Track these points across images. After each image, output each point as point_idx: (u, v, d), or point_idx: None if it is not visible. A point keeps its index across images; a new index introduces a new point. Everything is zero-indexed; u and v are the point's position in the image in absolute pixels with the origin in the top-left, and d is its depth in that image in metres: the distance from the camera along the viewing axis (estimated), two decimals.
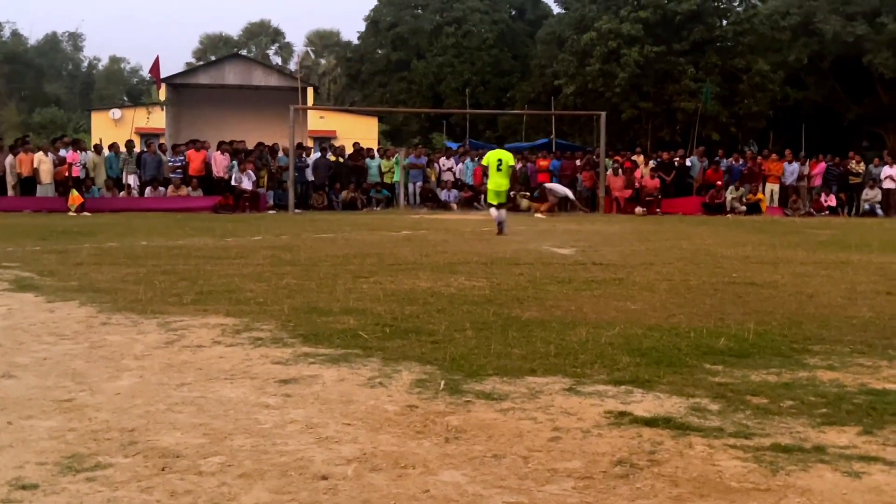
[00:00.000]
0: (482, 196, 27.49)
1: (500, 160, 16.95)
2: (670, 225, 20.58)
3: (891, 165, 26.74)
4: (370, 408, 4.23)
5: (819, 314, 7.11)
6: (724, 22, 41.07)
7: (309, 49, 78.44)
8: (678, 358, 5.37)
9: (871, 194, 26.60)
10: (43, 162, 23.63)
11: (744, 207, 25.72)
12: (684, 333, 6.10)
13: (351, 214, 23.76)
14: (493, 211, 16.88)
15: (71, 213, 21.72)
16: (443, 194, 27.43)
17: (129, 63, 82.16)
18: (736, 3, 43.33)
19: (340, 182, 26.43)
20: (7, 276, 9.01)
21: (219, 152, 25.05)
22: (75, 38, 79.30)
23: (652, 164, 27.00)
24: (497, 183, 16.88)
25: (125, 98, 73.96)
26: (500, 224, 16.42)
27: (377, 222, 20.04)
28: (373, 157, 27.86)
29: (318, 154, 26.89)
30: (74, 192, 22.52)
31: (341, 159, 27.14)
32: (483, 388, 4.61)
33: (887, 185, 26.35)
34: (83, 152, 24.96)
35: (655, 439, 3.78)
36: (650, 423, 4.01)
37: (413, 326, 6.24)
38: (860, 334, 6.26)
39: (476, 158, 28.69)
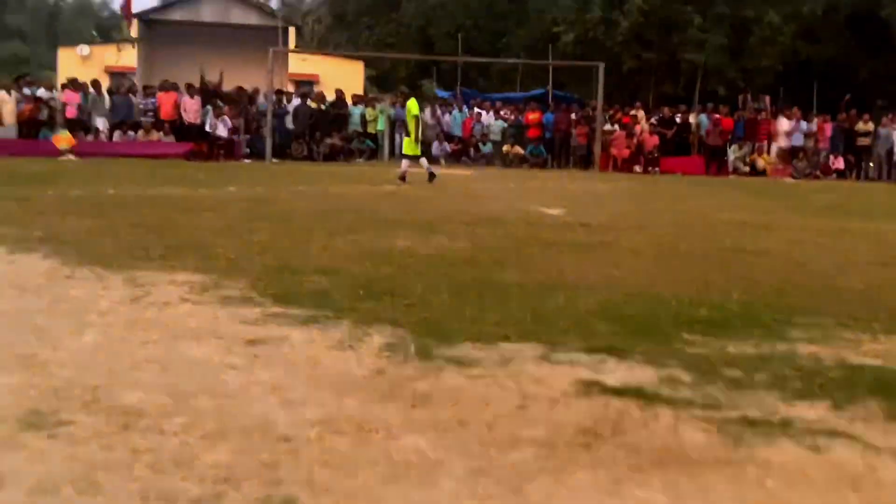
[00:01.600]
0: (471, 149, 27.74)
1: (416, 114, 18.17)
2: (668, 185, 20.76)
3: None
4: (338, 371, 4.41)
5: (807, 284, 7.30)
6: None
7: None
8: (656, 327, 5.55)
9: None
10: (6, 102, 23.60)
11: (747, 168, 25.88)
12: (666, 301, 6.28)
13: (332, 166, 23.87)
14: (423, 161, 17.92)
15: (64, 156, 21.90)
16: (432, 147, 27.47)
17: None
18: None
19: (321, 131, 26.49)
20: None
21: (188, 97, 25.01)
22: None
23: (653, 119, 27.08)
24: (415, 135, 18.00)
25: (94, 33, 73.27)
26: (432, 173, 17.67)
27: (359, 175, 20.16)
28: (356, 105, 27.86)
29: (299, 101, 26.88)
30: (67, 133, 22.73)
31: (323, 106, 27.18)
32: (454, 353, 4.77)
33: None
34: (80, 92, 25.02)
35: (623, 409, 3.97)
36: (619, 392, 4.19)
37: (388, 288, 6.39)
38: (847, 307, 6.42)
39: (464, 108, 28.80)
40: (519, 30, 45.53)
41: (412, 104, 18.29)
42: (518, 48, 43.17)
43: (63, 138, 22.80)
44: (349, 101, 27.93)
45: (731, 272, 7.77)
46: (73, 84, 25.30)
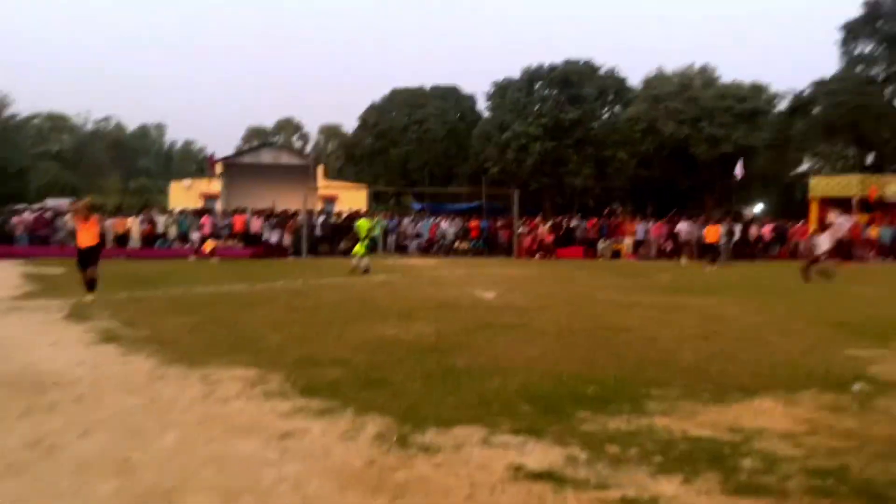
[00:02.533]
0: (434, 245, 27.43)
1: (368, 228, 17.73)
2: (561, 269, 20.50)
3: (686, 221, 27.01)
4: (342, 463, 4.00)
5: (658, 358, 6.91)
6: (596, 125, 41.64)
7: (320, 137, 78.02)
8: (560, 406, 5.16)
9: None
10: (133, 225, 23.06)
11: (609, 253, 25.82)
12: (566, 381, 5.89)
13: (346, 259, 23.39)
14: (365, 260, 17.09)
15: (200, 257, 21.80)
16: (408, 244, 27.21)
17: (198, 144, 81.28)
18: (604, 112, 43.99)
19: (339, 236, 26.19)
20: (100, 325, 8.62)
21: (255, 217, 24.73)
22: (160, 127, 78.34)
23: (549, 224, 27.02)
24: (364, 242, 17.33)
25: (194, 167, 72.92)
26: (367, 268, 16.85)
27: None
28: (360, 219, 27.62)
29: (324, 217, 26.59)
30: (210, 241, 22.58)
31: (339, 220, 26.92)
32: (424, 440, 4.38)
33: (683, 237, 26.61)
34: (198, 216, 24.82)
35: (541, 494, 3.61)
36: (538, 476, 3.82)
37: (379, 377, 5.96)
38: (685, 378, 6.08)
39: (429, 219, 28.60)
40: (463, 164, 45.90)
41: (362, 223, 17.88)
42: (463, 176, 43.52)
43: (210, 244, 22.43)
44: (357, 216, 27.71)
45: (608, 349, 7.39)
46: (202, 212, 25.12)
